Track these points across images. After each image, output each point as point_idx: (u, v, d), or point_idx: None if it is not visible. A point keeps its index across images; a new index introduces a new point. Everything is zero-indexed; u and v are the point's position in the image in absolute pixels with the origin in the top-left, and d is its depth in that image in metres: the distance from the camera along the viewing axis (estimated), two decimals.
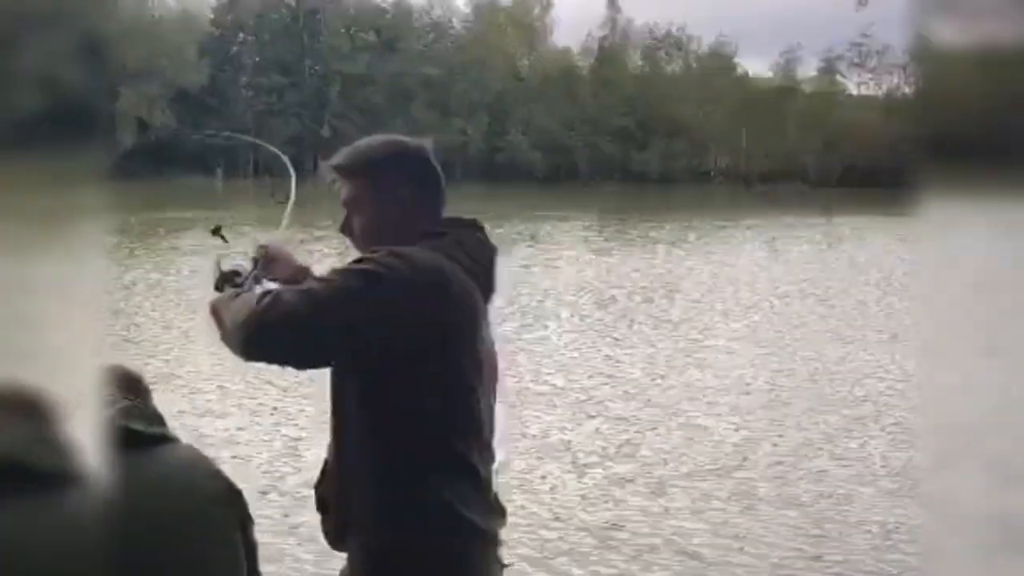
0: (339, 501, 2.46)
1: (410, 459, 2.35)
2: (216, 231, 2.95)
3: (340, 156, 2.58)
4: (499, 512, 2.51)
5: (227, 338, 2.37)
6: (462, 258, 2.41)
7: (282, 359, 2.34)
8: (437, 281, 2.33)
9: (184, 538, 1.94)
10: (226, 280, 2.67)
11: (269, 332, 2.26)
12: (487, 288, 2.48)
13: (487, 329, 2.46)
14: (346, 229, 2.57)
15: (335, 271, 2.33)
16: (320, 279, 2.34)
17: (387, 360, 2.31)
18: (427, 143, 2.62)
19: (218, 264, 2.73)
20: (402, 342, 2.29)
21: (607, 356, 12.85)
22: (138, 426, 2.02)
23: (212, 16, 66.15)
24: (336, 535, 2.50)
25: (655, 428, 9.50)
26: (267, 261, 2.72)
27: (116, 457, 1.84)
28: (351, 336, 2.29)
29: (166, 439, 2.07)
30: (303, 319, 2.24)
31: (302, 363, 2.40)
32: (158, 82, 56.50)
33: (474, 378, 2.40)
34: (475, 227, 2.56)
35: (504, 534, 2.53)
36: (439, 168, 2.58)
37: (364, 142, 2.60)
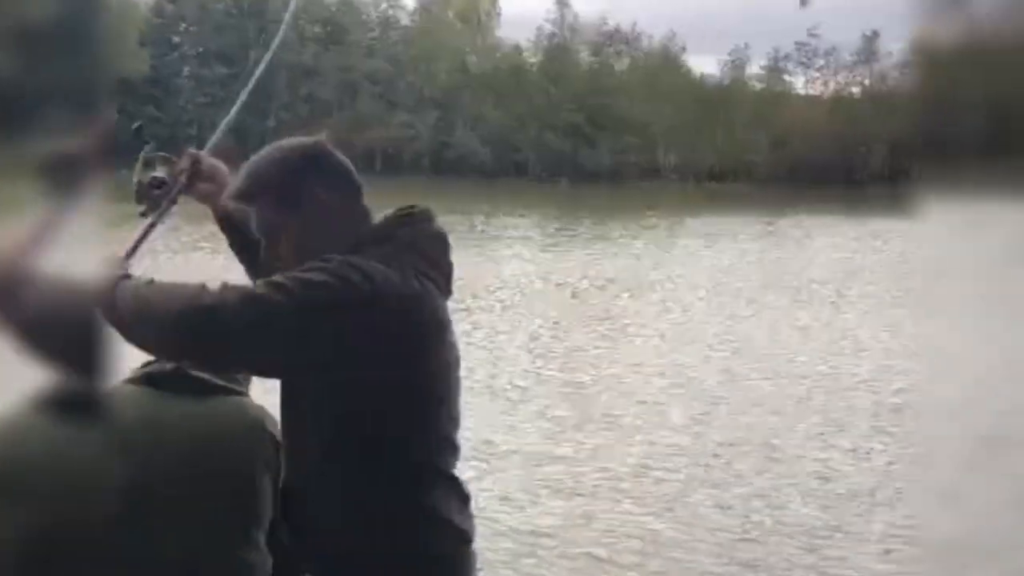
0: (303, 515, 2.28)
1: (386, 471, 2.22)
2: (137, 130, 2.69)
3: (239, 182, 2.32)
4: (471, 512, 2.43)
5: (148, 330, 2.11)
6: (416, 261, 2.23)
7: (223, 367, 2.23)
8: (394, 293, 2.16)
9: (209, 468, 2.19)
10: (147, 192, 2.42)
11: (213, 338, 2.07)
12: (445, 286, 2.31)
13: (450, 330, 2.31)
14: (271, 256, 2.32)
15: (288, 278, 2.11)
16: (272, 284, 2.11)
17: (346, 376, 2.16)
18: (323, 136, 2.39)
19: (140, 169, 2.44)
20: (361, 358, 2.14)
21: (537, 353, 12.89)
22: (203, 376, 2.30)
23: (152, 4, 65.32)
24: (299, 548, 2.32)
25: (581, 428, 9.47)
26: (195, 175, 2.45)
27: (176, 399, 2.25)
28: (303, 351, 2.11)
29: (230, 391, 2.34)
30: (255, 328, 2.07)
31: (245, 371, 2.29)
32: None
33: (442, 387, 2.30)
34: (425, 219, 2.34)
35: None
36: (344, 158, 2.36)
37: (259, 159, 2.33)
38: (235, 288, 2.11)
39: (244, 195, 2.31)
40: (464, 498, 2.36)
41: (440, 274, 2.29)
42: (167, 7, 65.59)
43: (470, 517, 2.37)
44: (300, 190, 2.28)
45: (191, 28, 65.73)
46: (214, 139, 2.61)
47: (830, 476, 8.25)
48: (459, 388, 2.38)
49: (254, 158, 2.34)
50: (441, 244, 2.33)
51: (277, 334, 2.08)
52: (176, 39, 64.99)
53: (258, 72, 2.80)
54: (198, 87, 61.85)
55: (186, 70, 63.22)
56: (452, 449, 2.34)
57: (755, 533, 6.99)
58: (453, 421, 2.34)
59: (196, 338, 2.07)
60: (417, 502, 2.25)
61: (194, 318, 2.05)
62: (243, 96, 2.71)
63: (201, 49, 64.04)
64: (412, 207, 2.34)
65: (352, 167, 2.35)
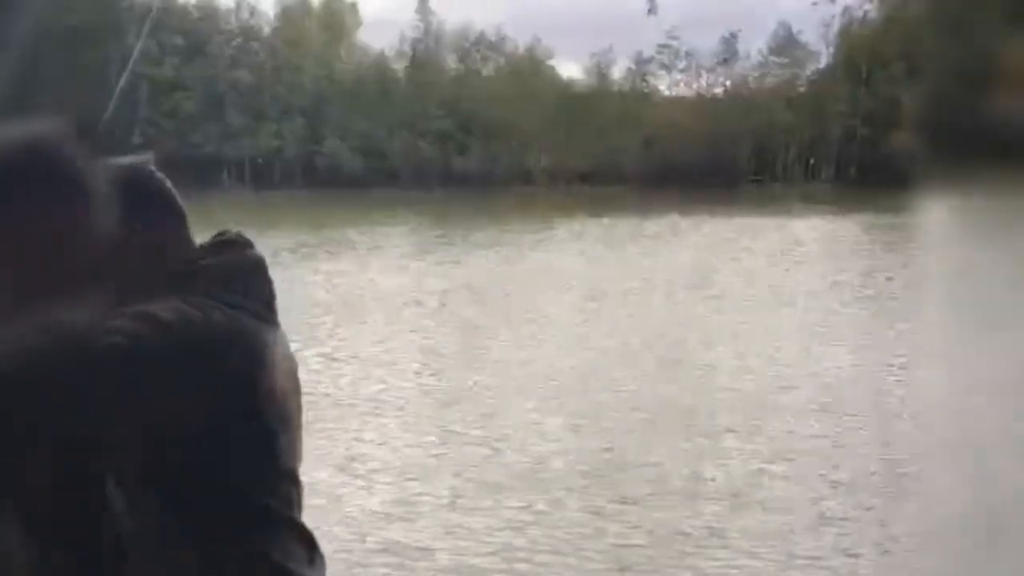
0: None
1: (214, 521, 2.03)
2: None
3: None
4: (322, 560, 2.22)
5: None
6: (224, 293, 2.04)
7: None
8: (194, 337, 1.96)
9: None
10: None
11: None
12: (264, 315, 2.11)
13: (274, 359, 2.09)
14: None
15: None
16: None
17: (160, 430, 1.96)
18: (150, 157, 2.17)
19: None
20: (169, 411, 1.95)
21: (408, 365, 12.90)
22: None
23: None
24: None
25: (456, 438, 9.52)
26: None
27: None
28: (115, 426, 1.93)
29: None
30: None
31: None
32: None
33: (269, 422, 2.07)
34: (236, 246, 2.16)
35: None
36: (168, 183, 2.14)
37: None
38: None
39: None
40: (310, 545, 2.14)
41: (257, 302, 2.11)
42: None
43: (319, 567, 2.15)
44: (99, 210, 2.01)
45: None
46: None
47: (703, 478, 8.40)
48: (295, 419, 2.14)
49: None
50: (255, 271, 2.15)
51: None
52: None
53: (117, 89, 2.61)
54: None
55: None
56: (290, 490, 2.12)
57: (634, 539, 7.08)
58: (289, 457, 2.11)
59: None
60: (254, 553, 2.05)
61: None
62: (106, 114, 2.48)
63: None
64: (224, 234, 2.18)
65: (175, 193, 2.13)
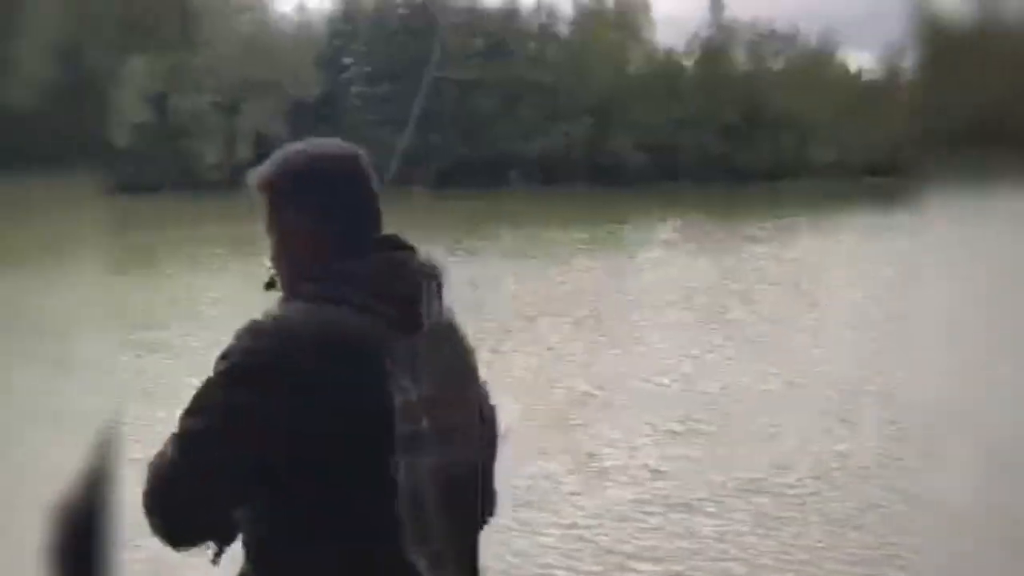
0: None
1: (317, 560, 1.94)
2: (271, 287, 2.17)
3: (266, 165, 2.14)
4: None
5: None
6: (354, 294, 1.97)
7: (202, 529, 1.95)
8: (305, 347, 1.91)
9: None
10: None
11: (149, 510, 1.93)
12: (398, 319, 1.96)
13: (403, 367, 1.89)
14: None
15: (195, 397, 1.94)
16: (183, 416, 1.94)
17: (282, 471, 1.91)
18: (359, 151, 2.14)
19: None
20: (280, 431, 1.88)
21: (667, 360, 12.73)
22: None
23: (330, 28, 67.60)
24: None
25: (714, 437, 9.36)
26: None
27: None
28: (239, 451, 1.90)
29: None
30: (195, 468, 1.88)
31: (215, 513, 1.96)
32: (276, 95, 58.33)
33: (380, 437, 1.88)
34: (380, 247, 2.08)
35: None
36: (368, 183, 2.12)
37: (289, 149, 2.15)
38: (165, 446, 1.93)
39: (260, 182, 2.11)
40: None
41: (391, 306, 1.97)
42: (343, 28, 67.60)
43: None
44: (289, 199, 2.08)
45: (362, 48, 67.37)
46: (394, 165, 2.98)
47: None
48: (442, 437, 1.90)
49: (282, 149, 2.15)
50: (394, 273, 2.02)
51: (198, 472, 1.88)
52: (347, 59, 66.85)
53: (421, 95, 2.95)
54: (365, 106, 62.83)
55: (354, 89, 64.89)
56: (404, 528, 1.89)
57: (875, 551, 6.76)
58: (411, 482, 1.88)
59: (149, 521, 1.93)
60: None
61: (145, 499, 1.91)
62: (412, 122, 2.76)
63: (369, 68, 65.73)
64: (386, 234, 2.12)
65: (368, 195, 2.10)
